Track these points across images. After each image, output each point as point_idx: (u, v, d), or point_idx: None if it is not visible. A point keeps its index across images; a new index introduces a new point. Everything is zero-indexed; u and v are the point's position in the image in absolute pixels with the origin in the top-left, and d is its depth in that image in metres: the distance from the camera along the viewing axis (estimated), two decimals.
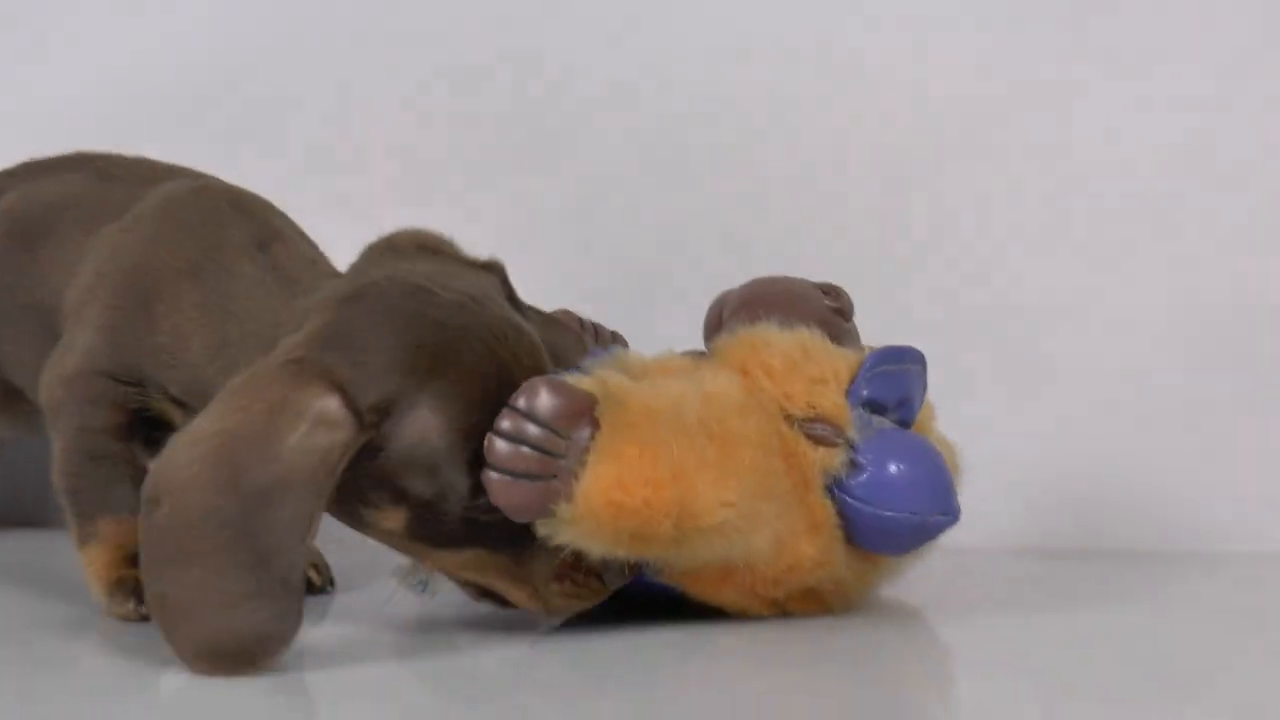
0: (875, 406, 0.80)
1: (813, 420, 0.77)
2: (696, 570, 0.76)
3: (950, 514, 0.79)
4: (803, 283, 0.85)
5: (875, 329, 0.88)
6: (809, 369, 0.78)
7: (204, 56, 1.16)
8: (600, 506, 0.69)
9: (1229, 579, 1.02)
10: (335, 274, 0.81)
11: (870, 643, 0.79)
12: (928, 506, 0.78)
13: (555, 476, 0.69)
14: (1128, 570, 1.03)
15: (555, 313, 0.91)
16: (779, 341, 0.79)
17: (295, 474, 0.68)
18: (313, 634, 0.77)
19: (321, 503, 0.69)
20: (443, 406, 0.71)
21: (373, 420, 0.70)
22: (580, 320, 0.91)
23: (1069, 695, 0.69)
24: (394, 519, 0.73)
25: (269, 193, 0.89)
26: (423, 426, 0.71)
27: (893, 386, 0.80)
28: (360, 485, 0.72)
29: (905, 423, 0.81)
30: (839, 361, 0.80)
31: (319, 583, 0.89)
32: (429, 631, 0.79)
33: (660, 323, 1.04)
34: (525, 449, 0.69)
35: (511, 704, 0.66)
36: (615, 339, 0.92)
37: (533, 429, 0.70)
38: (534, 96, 1.15)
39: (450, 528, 0.73)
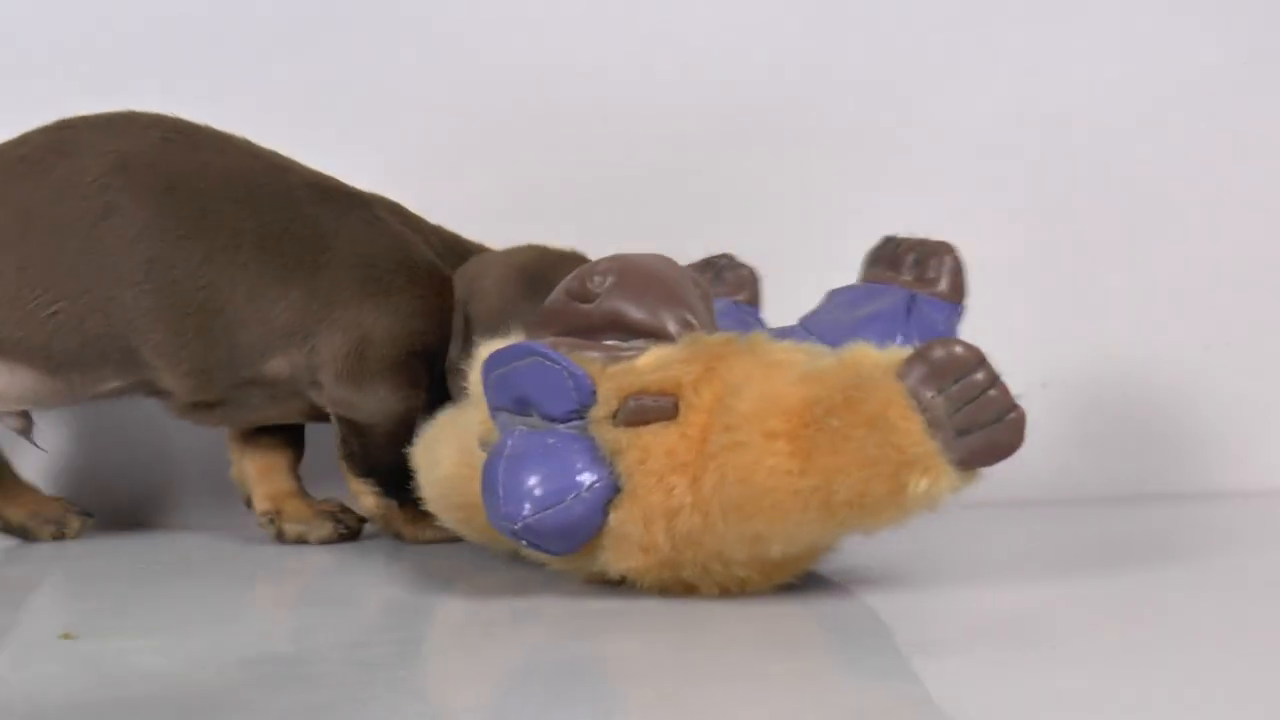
0: (510, 410, 0.80)
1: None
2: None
3: (507, 520, 0.78)
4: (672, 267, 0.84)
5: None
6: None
7: None
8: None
9: None
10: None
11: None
12: (490, 513, 0.79)
13: None
14: None
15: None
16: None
17: None
18: None
19: None
20: None
21: None
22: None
23: None
24: None
25: None
26: None
27: (504, 389, 0.80)
28: None
29: (551, 418, 0.79)
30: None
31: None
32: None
33: None
34: None
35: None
36: None
37: None
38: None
39: None
